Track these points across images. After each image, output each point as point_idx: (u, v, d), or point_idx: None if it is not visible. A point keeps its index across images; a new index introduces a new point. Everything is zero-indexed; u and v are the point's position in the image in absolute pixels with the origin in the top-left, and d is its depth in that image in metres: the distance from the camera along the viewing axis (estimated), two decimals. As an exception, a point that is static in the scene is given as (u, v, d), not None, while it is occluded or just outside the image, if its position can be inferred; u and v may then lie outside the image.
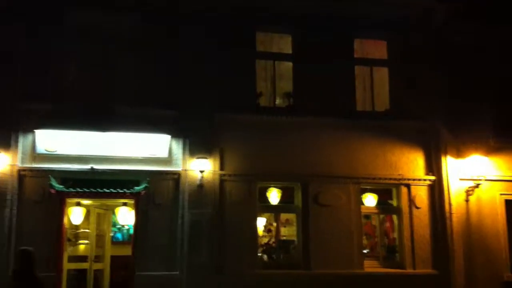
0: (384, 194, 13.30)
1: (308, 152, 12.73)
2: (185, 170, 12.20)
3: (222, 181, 12.37)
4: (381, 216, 13.44)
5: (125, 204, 12.49)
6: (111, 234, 13.98)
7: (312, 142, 12.78)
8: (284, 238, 13.20)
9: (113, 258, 13.41)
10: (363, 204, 13.02)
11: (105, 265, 13.11)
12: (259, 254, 12.59)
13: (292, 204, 12.93)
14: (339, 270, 12.23)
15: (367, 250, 13.11)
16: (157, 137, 12.11)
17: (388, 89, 13.55)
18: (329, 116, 12.82)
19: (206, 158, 12.18)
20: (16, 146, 11.56)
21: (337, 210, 12.65)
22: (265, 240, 13.04)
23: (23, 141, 11.64)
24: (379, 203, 13.19)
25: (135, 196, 11.77)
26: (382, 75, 13.68)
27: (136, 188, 11.62)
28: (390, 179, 12.99)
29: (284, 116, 12.78)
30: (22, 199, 11.44)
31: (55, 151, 11.71)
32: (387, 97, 13.52)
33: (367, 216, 13.37)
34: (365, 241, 13.08)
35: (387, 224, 13.50)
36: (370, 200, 13.09)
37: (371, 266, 12.72)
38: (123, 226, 14.39)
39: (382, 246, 13.23)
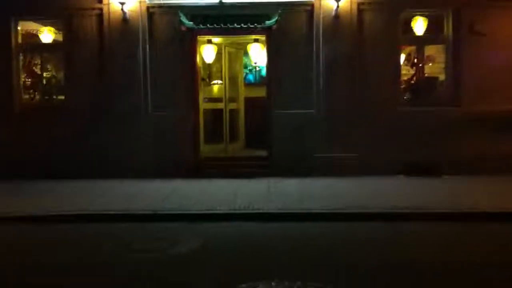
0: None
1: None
2: (319, 0, 11.07)
3: (360, 11, 11.16)
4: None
5: (256, 40, 11.84)
6: (243, 76, 13.60)
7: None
8: (429, 74, 11.96)
9: (247, 99, 13.14)
10: (529, 31, 11.21)
11: (239, 105, 12.93)
12: (402, 91, 11.55)
13: (440, 34, 11.43)
14: (496, 107, 10.90)
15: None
16: (288, -37, 10.99)
17: None
18: None
19: (342, -16, 10.91)
20: (143, -19, 11.11)
21: (497, 40, 11.00)
22: (408, 75, 11.89)
23: (150, -24, 11.15)
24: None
25: (266, 31, 11.07)
26: None
27: (267, 22, 10.83)
28: None
29: None
30: (154, 37, 11.20)
31: (182, -15, 11.13)
32: None
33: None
34: (528, 75, 11.45)
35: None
36: (537, 26, 11.20)
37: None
38: (254, 67, 13.90)
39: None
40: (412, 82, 11.79)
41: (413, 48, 11.93)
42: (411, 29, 11.38)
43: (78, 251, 6.66)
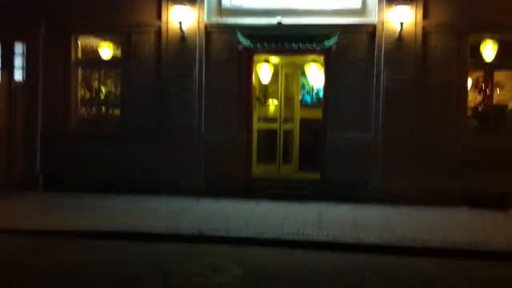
0: None
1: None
2: (382, 21, 10.66)
3: (425, 34, 10.63)
4: None
5: (314, 61, 11.54)
6: (300, 97, 13.28)
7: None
8: (497, 101, 11.28)
9: (302, 120, 12.80)
10: None
11: (295, 127, 12.59)
12: (468, 118, 10.88)
13: (510, 60, 10.74)
14: None
15: None
16: (349, -16, 10.67)
17: None
18: None
19: (407, 5, 10.42)
20: (202, 0, 10.99)
21: None
22: (475, 102, 11.21)
23: (209, -5, 11.07)
24: None
25: (325, 52, 10.76)
26: None
27: (326, 43, 10.51)
28: None
29: None
30: (210, 56, 11.08)
31: (241, 5, 10.99)
32: None
33: None
34: None
35: None
36: None
37: None
38: (311, 88, 13.58)
39: None
40: (479, 109, 11.10)
41: (481, 73, 11.28)
42: (479, 54, 10.73)
43: (115, 271, 6.47)
